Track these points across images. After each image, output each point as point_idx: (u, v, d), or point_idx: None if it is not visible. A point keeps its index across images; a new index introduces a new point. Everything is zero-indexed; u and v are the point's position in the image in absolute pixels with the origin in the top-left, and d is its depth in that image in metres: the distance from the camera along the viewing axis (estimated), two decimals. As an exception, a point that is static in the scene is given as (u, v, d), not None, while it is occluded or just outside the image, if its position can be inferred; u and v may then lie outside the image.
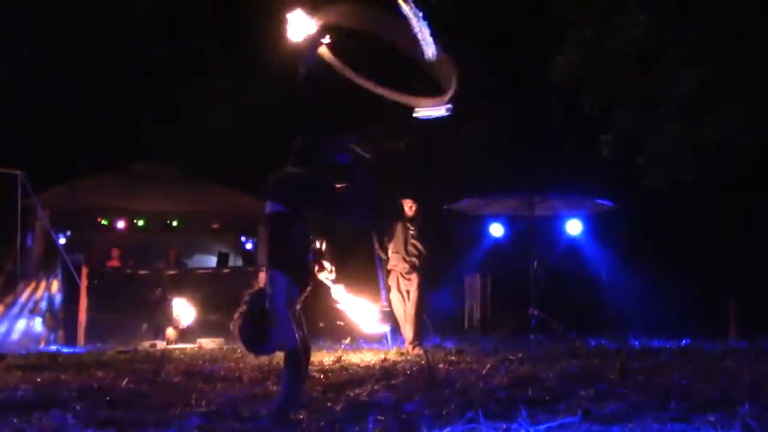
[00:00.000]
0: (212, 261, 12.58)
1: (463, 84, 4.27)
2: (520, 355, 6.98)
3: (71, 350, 8.71)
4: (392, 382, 5.42)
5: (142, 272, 10.39)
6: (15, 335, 9.09)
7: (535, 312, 10.30)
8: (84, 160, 12.72)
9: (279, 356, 4.31)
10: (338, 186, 4.17)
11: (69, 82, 13.69)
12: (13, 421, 3.96)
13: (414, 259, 8.36)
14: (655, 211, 11.59)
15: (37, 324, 9.34)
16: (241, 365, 6.52)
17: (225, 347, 8.70)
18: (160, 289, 9.94)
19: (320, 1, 4.43)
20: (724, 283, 10.76)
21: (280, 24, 4.37)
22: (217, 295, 9.71)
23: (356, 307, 4.43)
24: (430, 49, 4.25)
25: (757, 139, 9.39)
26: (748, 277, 10.60)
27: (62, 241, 11.04)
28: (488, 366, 6.10)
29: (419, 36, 4.23)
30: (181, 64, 14.11)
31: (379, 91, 4.44)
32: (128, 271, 10.62)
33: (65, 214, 11.35)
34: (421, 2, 4.17)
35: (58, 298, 9.64)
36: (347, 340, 8.56)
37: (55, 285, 9.67)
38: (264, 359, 5.91)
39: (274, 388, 5.07)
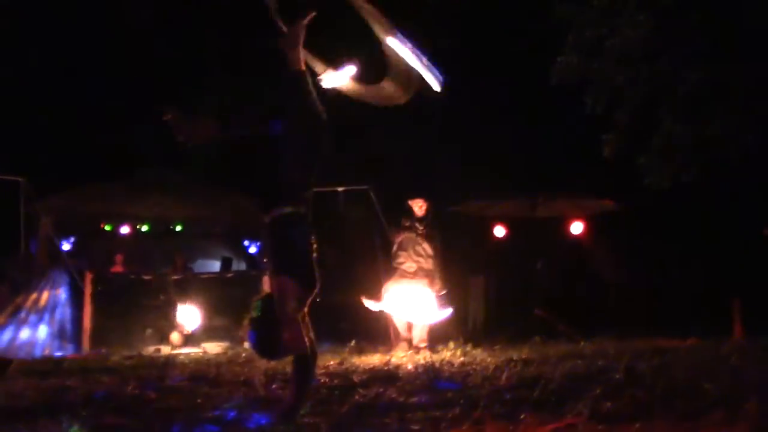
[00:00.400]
0: (216, 266, 12.59)
1: (464, 84, 4.25)
2: (524, 356, 6.97)
3: (76, 356, 8.72)
4: (397, 383, 5.41)
5: (146, 277, 10.41)
6: (20, 342, 9.10)
7: (540, 313, 10.29)
8: (87, 166, 12.74)
9: (285, 359, 4.31)
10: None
11: (74, 87, 13.72)
12: (20, 427, 3.96)
13: (421, 260, 8.36)
14: (658, 210, 11.58)
15: (42, 331, 9.34)
16: (247, 369, 6.52)
17: (230, 351, 8.70)
18: (162, 297, 9.95)
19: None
20: (729, 281, 10.74)
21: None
22: (222, 300, 9.74)
23: (413, 299, 4.29)
24: (436, 84, 4.20)
25: (758, 137, 9.38)
26: (753, 274, 10.58)
27: (66, 247, 11.05)
28: (493, 367, 6.10)
29: (423, 76, 4.14)
30: (183, 67, 14.14)
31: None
32: (132, 276, 10.64)
33: (69, 221, 11.34)
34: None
35: (62, 305, 9.65)
36: (352, 343, 8.56)
37: (60, 291, 9.69)
38: (269, 363, 5.91)
39: (280, 391, 5.07)
